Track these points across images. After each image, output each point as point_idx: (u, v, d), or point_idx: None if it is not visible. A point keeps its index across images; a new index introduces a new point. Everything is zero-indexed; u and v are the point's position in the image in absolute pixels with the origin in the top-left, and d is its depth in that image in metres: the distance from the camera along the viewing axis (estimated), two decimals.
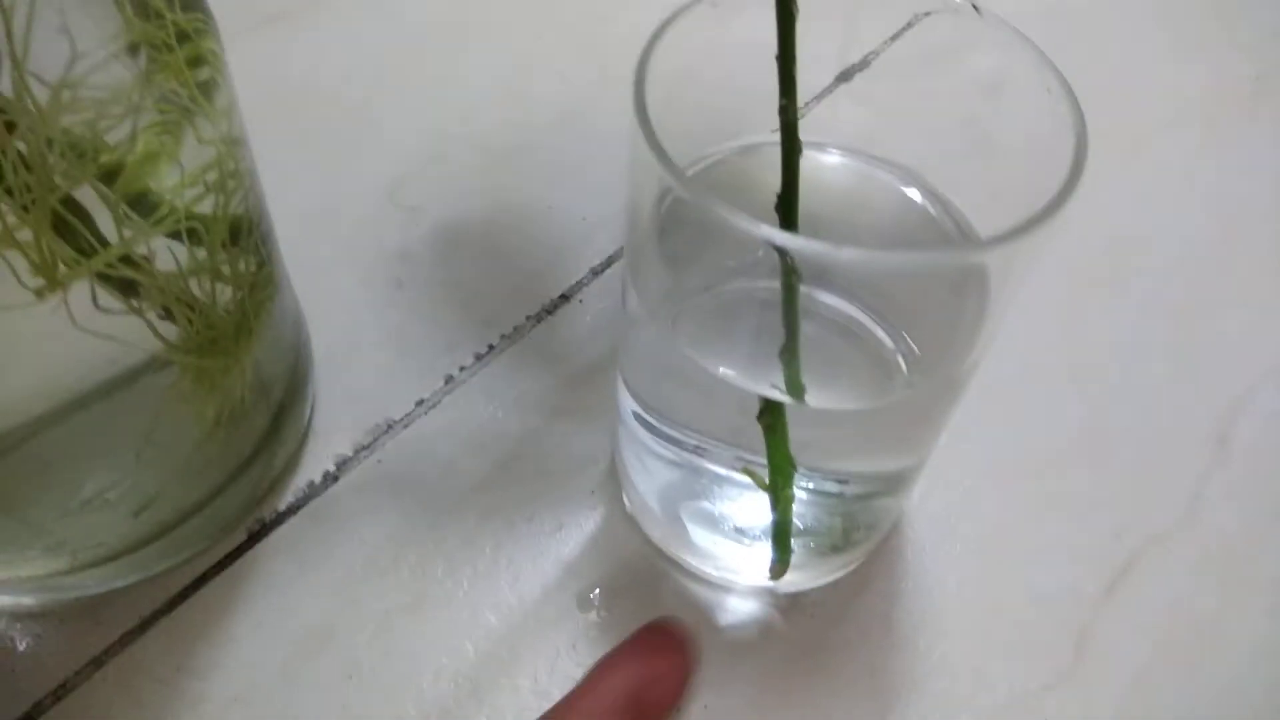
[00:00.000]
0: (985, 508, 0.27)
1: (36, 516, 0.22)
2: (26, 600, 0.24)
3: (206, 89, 0.20)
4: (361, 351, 0.29)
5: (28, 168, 0.16)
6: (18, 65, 0.15)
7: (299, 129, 0.34)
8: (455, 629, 0.24)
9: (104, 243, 0.18)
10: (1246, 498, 0.28)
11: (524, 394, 0.29)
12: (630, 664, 0.21)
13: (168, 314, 0.21)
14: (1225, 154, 0.37)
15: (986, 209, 0.21)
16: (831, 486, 0.23)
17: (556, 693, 0.22)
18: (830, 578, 0.25)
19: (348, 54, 0.38)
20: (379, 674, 0.23)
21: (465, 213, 0.33)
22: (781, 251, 0.18)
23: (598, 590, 0.25)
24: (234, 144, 0.21)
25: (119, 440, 0.22)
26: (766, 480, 0.22)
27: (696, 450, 0.23)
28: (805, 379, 0.20)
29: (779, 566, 0.23)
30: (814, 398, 0.20)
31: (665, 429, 0.23)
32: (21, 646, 0.23)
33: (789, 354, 0.20)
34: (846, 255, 0.15)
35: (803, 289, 0.20)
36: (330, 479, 0.27)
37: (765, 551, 0.24)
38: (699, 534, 0.24)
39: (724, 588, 0.25)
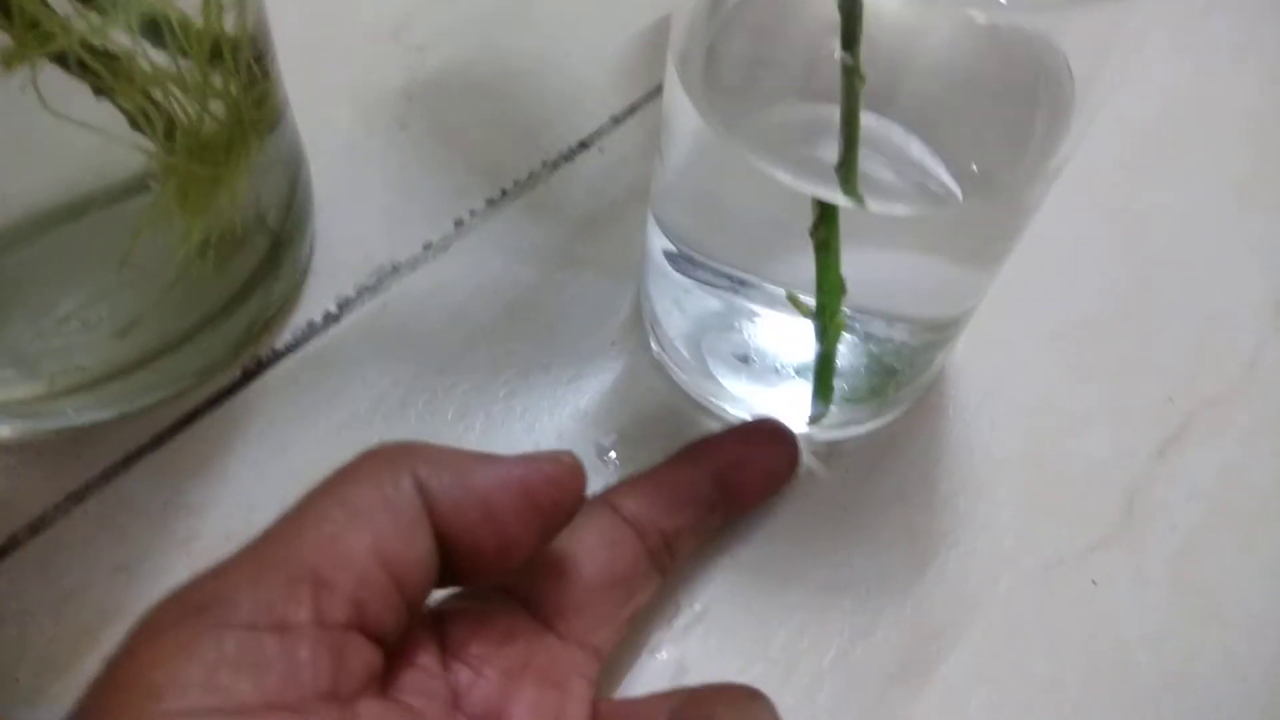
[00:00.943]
0: (1032, 369, 0.25)
1: (9, 334, 0.20)
2: (3, 430, 0.22)
3: None
4: (364, 193, 0.27)
5: None
6: None
7: None
8: None
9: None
10: None
11: (540, 242, 0.27)
12: (725, 444, 0.21)
13: (145, 117, 0.19)
14: None
15: None
16: (878, 328, 0.21)
17: None
18: (866, 428, 0.24)
19: None
20: None
21: (474, 55, 0.30)
22: (849, 23, 0.16)
23: (616, 437, 0.23)
24: None
25: (98, 259, 0.20)
26: (812, 309, 0.20)
27: (736, 286, 0.21)
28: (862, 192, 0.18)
29: (820, 405, 0.22)
30: (872, 204, 0.18)
31: (704, 263, 0.21)
32: None
33: (848, 162, 0.18)
34: None
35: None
36: (331, 319, 0.25)
37: (802, 394, 0.22)
38: (731, 377, 0.23)
39: None
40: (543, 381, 0.24)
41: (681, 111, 0.19)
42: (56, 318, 0.20)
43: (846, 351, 0.21)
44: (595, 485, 0.23)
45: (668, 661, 0.21)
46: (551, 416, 0.24)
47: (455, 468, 0.15)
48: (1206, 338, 0.26)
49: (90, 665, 0.19)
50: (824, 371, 0.21)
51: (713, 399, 0.24)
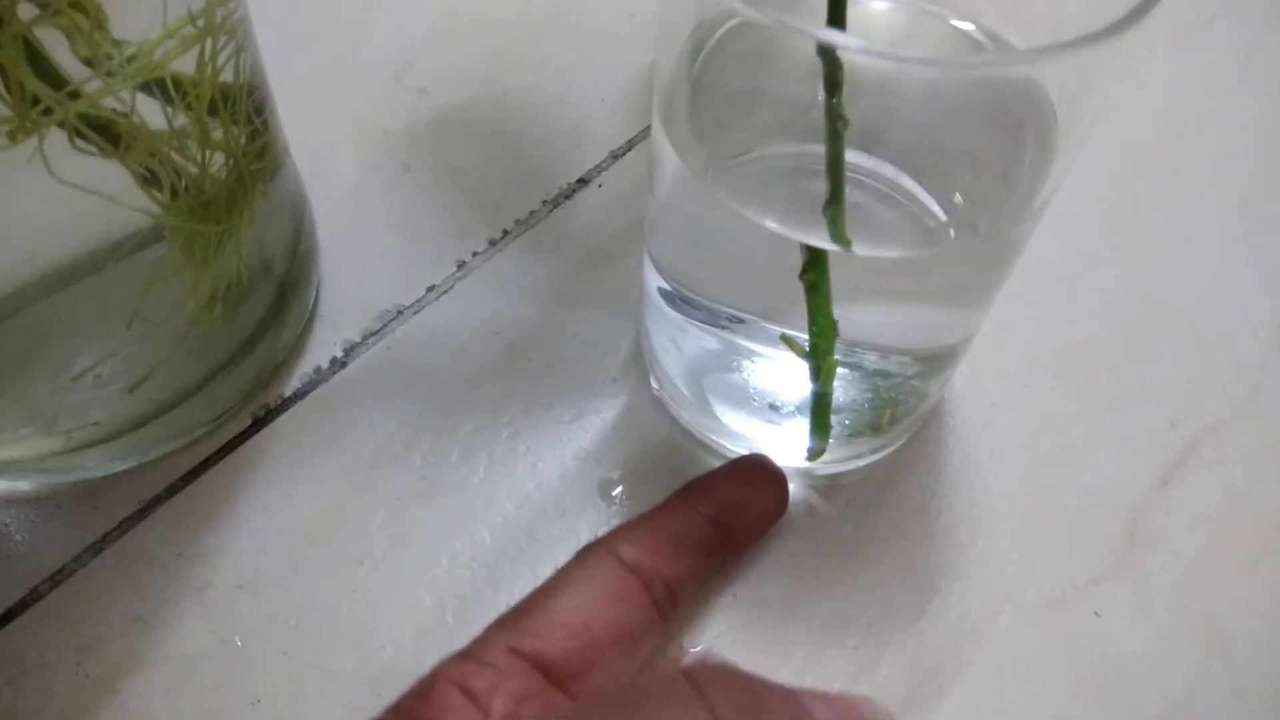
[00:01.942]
0: (1032, 397, 0.26)
1: (27, 393, 0.21)
2: (22, 485, 0.23)
3: None
4: (368, 237, 0.28)
5: None
6: None
7: (303, 1, 0.32)
8: (471, 516, 0.23)
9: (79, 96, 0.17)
10: None
11: (541, 281, 0.27)
12: (718, 486, 0.21)
13: (151, 176, 0.19)
14: None
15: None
16: (871, 360, 0.21)
17: None
18: (865, 461, 0.24)
19: None
20: (391, 560, 0.22)
21: (476, 95, 0.31)
22: (831, 70, 0.16)
23: (620, 473, 0.24)
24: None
25: (110, 314, 0.21)
26: (806, 348, 0.20)
27: (730, 324, 0.21)
28: (850, 235, 0.18)
29: (818, 443, 0.22)
30: (860, 247, 0.18)
31: (697, 302, 0.21)
32: (17, 532, 0.22)
33: (834, 205, 0.18)
34: (907, 56, 0.14)
35: (847, 153, 0.18)
36: (338, 365, 0.25)
37: (800, 431, 0.22)
38: (730, 414, 0.23)
39: None
40: (545, 420, 0.25)
41: (666, 155, 0.19)
42: (71, 375, 0.21)
43: (844, 387, 0.22)
44: (600, 523, 0.23)
45: None
46: (555, 455, 0.24)
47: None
48: (1209, 362, 0.26)
49: (110, 716, 0.20)
50: (821, 409, 0.21)
51: (713, 436, 0.24)
